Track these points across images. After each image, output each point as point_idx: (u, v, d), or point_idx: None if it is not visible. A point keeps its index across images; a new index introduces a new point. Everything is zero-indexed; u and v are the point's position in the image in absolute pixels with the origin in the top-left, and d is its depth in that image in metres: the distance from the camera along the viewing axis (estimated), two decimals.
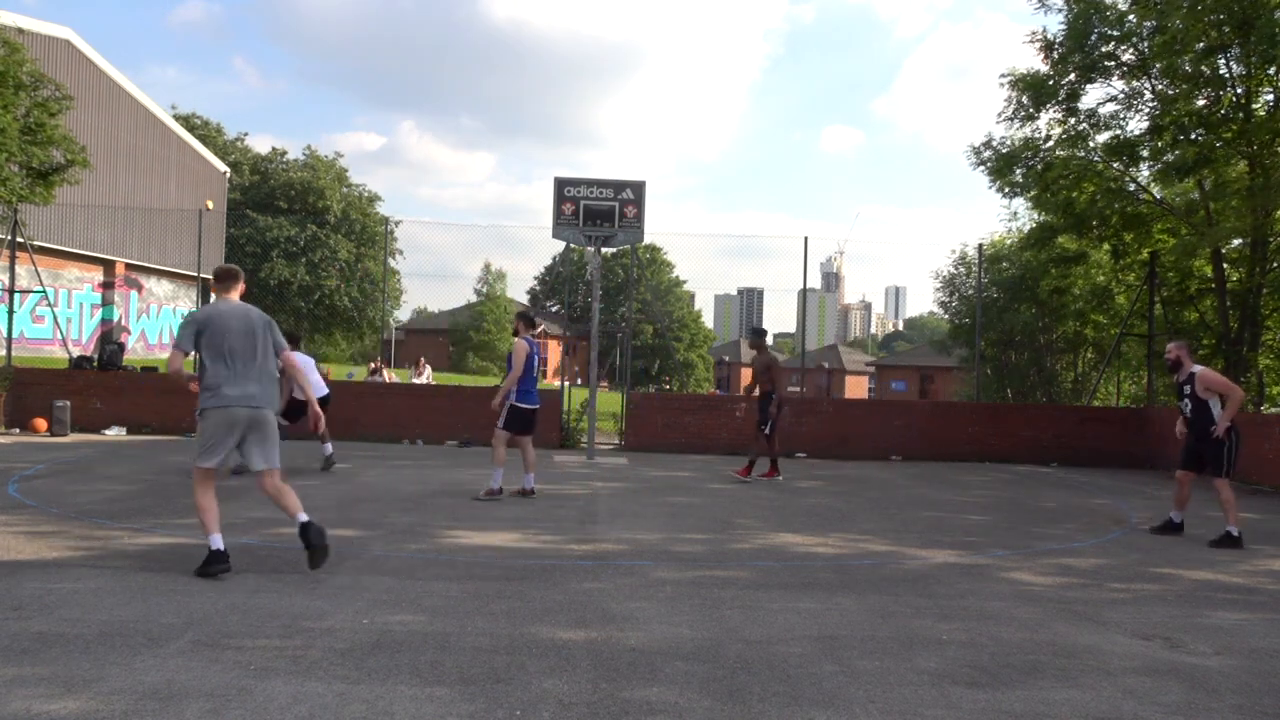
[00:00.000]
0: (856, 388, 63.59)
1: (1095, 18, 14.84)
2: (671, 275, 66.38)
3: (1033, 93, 15.73)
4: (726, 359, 73.53)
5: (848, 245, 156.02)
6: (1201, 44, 13.48)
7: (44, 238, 22.78)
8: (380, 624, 4.46)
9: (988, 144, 16.61)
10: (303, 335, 21.16)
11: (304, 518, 5.38)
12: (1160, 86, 15.04)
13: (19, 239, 15.65)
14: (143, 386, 14.93)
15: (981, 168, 16.65)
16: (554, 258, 60.03)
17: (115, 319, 27.68)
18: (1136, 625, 4.99)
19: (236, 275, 5.72)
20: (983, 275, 20.50)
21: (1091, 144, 15.87)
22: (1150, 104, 15.25)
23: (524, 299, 62.74)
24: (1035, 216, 19.02)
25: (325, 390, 10.91)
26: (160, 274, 31.35)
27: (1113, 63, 15.23)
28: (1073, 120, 15.89)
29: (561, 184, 13.40)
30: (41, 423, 13.97)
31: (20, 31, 17.26)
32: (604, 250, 14.00)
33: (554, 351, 53.28)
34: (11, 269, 16.23)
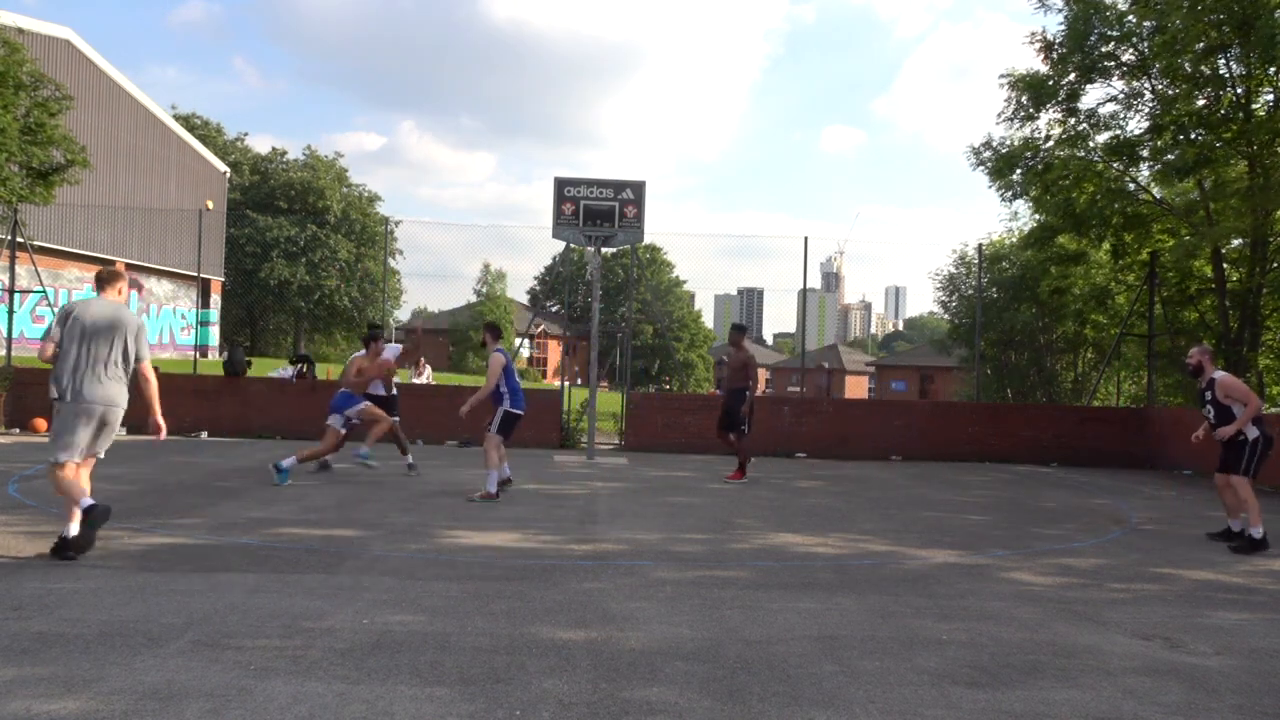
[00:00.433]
0: (856, 388, 63.55)
1: (1095, 18, 14.84)
2: (671, 275, 66.36)
3: (1032, 93, 15.73)
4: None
5: (848, 245, 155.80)
6: (1201, 44, 13.49)
7: (44, 238, 22.80)
8: (380, 624, 4.46)
9: (988, 144, 16.62)
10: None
11: (89, 501, 5.66)
12: (1160, 86, 15.05)
13: (19, 239, 15.65)
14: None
15: (981, 168, 16.66)
16: (554, 258, 59.96)
17: None
18: (1136, 625, 4.99)
19: (116, 276, 6.01)
20: (983, 275, 20.50)
21: (1091, 144, 15.88)
22: (1150, 104, 15.27)
23: (524, 299, 62.84)
24: (1036, 217, 19.01)
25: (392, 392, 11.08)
26: (160, 274, 31.37)
27: (1112, 63, 15.24)
28: (1072, 120, 15.90)
29: (561, 184, 13.40)
30: (42, 423, 13.97)
31: (20, 31, 17.27)
32: (604, 250, 14.01)
33: (554, 351, 53.27)
34: (11, 269, 16.23)
